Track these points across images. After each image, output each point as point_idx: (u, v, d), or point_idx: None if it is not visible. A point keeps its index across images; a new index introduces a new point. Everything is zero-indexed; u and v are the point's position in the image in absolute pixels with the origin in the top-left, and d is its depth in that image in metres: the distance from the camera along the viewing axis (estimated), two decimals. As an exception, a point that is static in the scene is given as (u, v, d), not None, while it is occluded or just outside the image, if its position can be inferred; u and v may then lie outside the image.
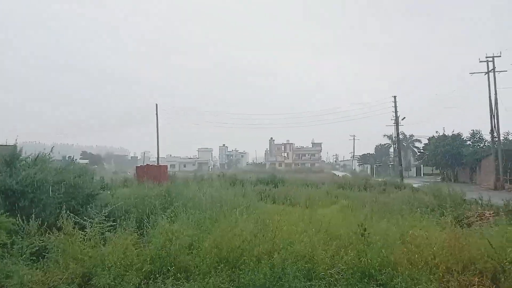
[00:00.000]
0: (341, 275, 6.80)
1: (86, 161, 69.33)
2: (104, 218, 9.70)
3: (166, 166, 32.36)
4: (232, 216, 10.39)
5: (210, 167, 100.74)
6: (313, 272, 7.10)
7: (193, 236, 8.52)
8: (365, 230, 8.11)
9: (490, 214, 14.47)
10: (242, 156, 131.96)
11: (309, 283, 6.32)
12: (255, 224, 9.49)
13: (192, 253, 7.84)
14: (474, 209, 16.39)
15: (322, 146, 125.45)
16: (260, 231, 8.85)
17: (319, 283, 6.57)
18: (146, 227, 9.79)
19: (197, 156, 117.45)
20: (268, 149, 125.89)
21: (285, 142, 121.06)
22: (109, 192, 15.37)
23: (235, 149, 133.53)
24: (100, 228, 8.80)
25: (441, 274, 6.64)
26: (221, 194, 17.27)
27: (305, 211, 14.88)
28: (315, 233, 9.22)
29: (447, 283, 6.33)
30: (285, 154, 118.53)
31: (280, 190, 23.85)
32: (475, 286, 6.01)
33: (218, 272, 6.89)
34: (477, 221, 13.45)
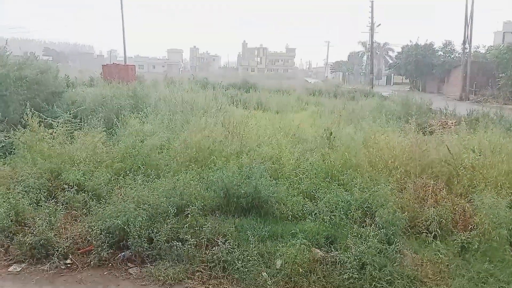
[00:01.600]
0: (306, 175, 7.14)
1: (49, 58, 65.98)
2: (71, 116, 9.53)
3: (134, 66, 31.20)
4: (202, 119, 10.42)
5: (181, 69, 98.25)
6: (279, 172, 7.42)
7: (162, 136, 8.56)
8: (330, 134, 8.35)
9: (452, 123, 15.11)
10: (213, 59, 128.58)
11: (274, 181, 6.61)
12: (225, 126, 9.59)
13: (162, 152, 7.95)
14: (438, 118, 17.05)
15: (296, 52, 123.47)
16: (229, 133, 8.97)
17: (284, 181, 6.90)
18: (115, 126, 9.73)
19: (167, 58, 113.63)
20: (241, 53, 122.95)
21: (259, 46, 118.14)
22: (74, 90, 14.91)
23: (207, 51, 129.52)
24: (67, 127, 8.68)
25: (399, 176, 7.04)
26: (192, 96, 17.10)
27: (276, 116, 15.10)
28: (283, 136, 9.46)
29: (404, 184, 6.73)
30: (258, 59, 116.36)
31: (251, 95, 23.80)
32: (430, 188, 6.41)
33: (188, 170, 7.08)
34: (439, 129, 14.05)
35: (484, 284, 4.66)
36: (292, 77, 78.32)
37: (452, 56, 47.65)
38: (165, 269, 4.89)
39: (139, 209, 5.47)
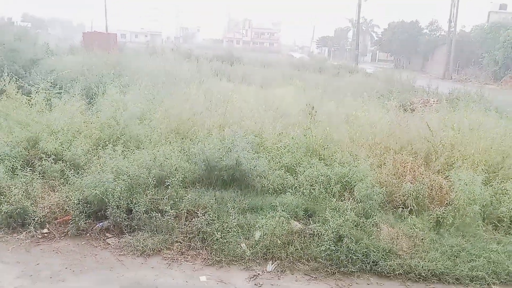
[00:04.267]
0: (287, 149, 7.15)
1: (28, 24, 63.60)
2: (50, 84, 9.26)
3: (115, 35, 30.39)
4: (185, 90, 10.27)
5: (164, 40, 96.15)
6: (261, 146, 7.41)
7: (144, 107, 8.42)
8: (312, 109, 8.34)
9: (434, 101, 15.30)
10: (198, 30, 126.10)
11: (256, 154, 6.61)
12: (207, 98, 9.48)
13: (143, 123, 7.84)
14: (420, 96, 17.22)
15: (282, 26, 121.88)
16: (212, 105, 8.88)
17: (266, 155, 6.90)
18: (95, 96, 9.51)
19: (149, 28, 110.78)
20: (226, 25, 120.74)
21: (244, 19, 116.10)
22: (54, 58, 14.47)
23: (191, 22, 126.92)
24: (46, 95, 8.45)
25: (379, 152, 7.11)
26: (175, 68, 16.82)
27: (260, 91, 14.98)
28: (266, 110, 9.41)
29: (383, 160, 6.81)
30: (244, 32, 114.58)
31: (236, 69, 23.51)
32: (409, 164, 6.50)
33: (169, 142, 7.01)
34: (421, 107, 14.21)
35: (456, 257, 4.81)
36: (277, 51, 77.61)
37: (438, 34, 47.80)
38: (143, 240, 4.90)
39: (118, 180, 5.41)
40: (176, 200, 5.40)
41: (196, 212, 5.16)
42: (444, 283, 4.52)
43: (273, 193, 6.04)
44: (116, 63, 14.22)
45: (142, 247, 4.82)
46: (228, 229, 4.97)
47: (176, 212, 5.20)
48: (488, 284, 4.53)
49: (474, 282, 4.53)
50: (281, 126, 8.21)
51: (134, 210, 5.17)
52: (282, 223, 5.05)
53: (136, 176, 5.65)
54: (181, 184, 5.73)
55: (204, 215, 5.06)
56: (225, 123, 8.04)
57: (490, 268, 4.65)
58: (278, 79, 20.60)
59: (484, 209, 5.64)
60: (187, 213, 5.26)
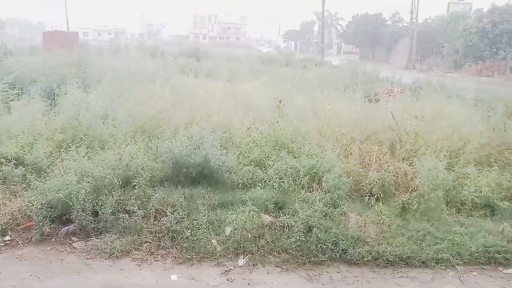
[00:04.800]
0: (256, 144, 7.15)
1: (-18, 24, 60.88)
2: (8, 86, 8.92)
3: (77, 33, 29.57)
4: (150, 87, 10.11)
5: (128, 37, 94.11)
6: (230, 141, 7.39)
7: (107, 106, 8.23)
8: (280, 102, 8.38)
9: (398, 91, 15.68)
10: (163, 26, 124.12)
11: (225, 151, 6.57)
12: (174, 95, 9.37)
13: (107, 122, 7.66)
14: (384, 86, 17.62)
15: (248, 21, 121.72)
16: (178, 102, 8.78)
17: (235, 151, 6.88)
18: (57, 96, 9.22)
19: (113, 25, 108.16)
20: (192, 21, 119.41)
21: (210, 14, 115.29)
22: (12, 59, 13.94)
23: (156, 19, 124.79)
24: (4, 97, 8.12)
25: (346, 142, 7.22)
26: (140, 65, 16.53)
27: (227, 86, 14.91)
28: (234, 105, 9.38)
29: (350, 150, 6.91)
30: (210, 27, 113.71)
31: (203, 64, 23.31)
32: (374, 153, 6.62)
33: (135, 141, 6.88)
34: (385, 97, 14.54)
35: (422, 241, 4.95)
36: (244, 45, 77.51)
37: (400, 26, 48.92)
38: (111, 242, 4.79)
39: (83, 182, 5.27)
40: (143, 200, 5.31)
41: (164, 211, 5.09)
42: (411, 266, 4.65)
43: (243, 188, 6.03)
44: (78, 62, 13.82)
45: (110, 249, 4.72)
46: (198, 226, 4.94)
47: (144, 212, 5.11)
48: (452, 265, 4.68)
49: (439, 264, 4.67)
50: (249, 121, 8.21)
51: (100, 212, 5.05)
52: (253, 217, 5.06)
53: (101, 177, 5.51)
54: (149, 184, 5.63)
55: (173, 214, 5.00)
56: (193, 119, 7.96)
57: (454, 250, 4.81)
58: (245, 74, 20.57)
59: (447, 194, 5.83)
60: (156, 213, 5.18)
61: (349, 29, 56.01)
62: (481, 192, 5.85)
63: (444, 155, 6.56)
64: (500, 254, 4.77)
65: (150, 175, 5.78)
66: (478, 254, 4.77)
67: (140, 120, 7.69)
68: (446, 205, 5.76)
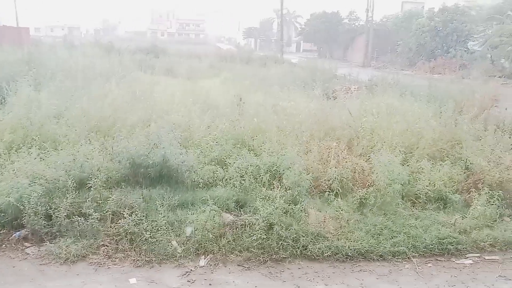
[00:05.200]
0: (216, 142, 7.09)
1: None
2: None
3: (28, 28, 28.19)
4: (105, 85, 9.79)
5: (83, 33, 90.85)
6: (189, 140, 7.28)
7: (60, 105, 7.90)
8: (240, 100, 8.36)
9: (355, 88, 16.05)
10: (119, 22, 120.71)
11: (184, 149, 6.48)
12: (130, 93, 9.12)
13: (60, 122, 7.35)
14: (342, 83, 17.99)
15: (208, 17, 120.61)
16: (135, 100, 8.56)
17: (195, 149, 6.79)
18: (6, 95, 8.75)
19: (67, 21, 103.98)
20: (150, 17, 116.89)
21: (168, 10, 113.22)
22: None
23: (112, 14, 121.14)
24: None
25: (305, 139, 7.30)
26: (95, 62, 15.99)
27: (186, 83, 14.72)
28: (193, 103, 9.26)
29: (309, 147, 7.00)
30: (168, 23, 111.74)
31: (161, 61, 22.89)
32: (333, 149, 6.74)
33: (90, 141, 6.63)
34: (343, 94, 14.84)
35: (379, 235, 5.09)
36: (204, 42, 76.92)
37: (357, 24, 50.06)
38: (66, 246, 4.60)
39: (35, 185, 5.03)
40: (100, 202, 5.13)
41: (122, 213, 4.93)
42: (369, 260, 4.77)
43: (204, 187, 5.97)
44: (29, 59, 13.17)
45: (65, 254, 4.53)
46: (157, 227, 4.83)
47: (101, 215, 4.94)
48: (408, 257, 4.84)
49: (396, 257, 4.82)
50: (209, 119, 8.13)
51: (54, 215, 4.84)
52: (213, 217, 5.01)
53: (55, 179, 5.29)
54: (105, 185, 5.45)
55: (131, 215, 4.85)
56: (150, 118, 7.79)
57: (410, 243, 4.98)
58: (205, 71, 20.43)
59: (403, 188, 6.01)
60: (113, 215, 5.02)
61: (307, 27, 56.63)
62: (434, 185, 6.10)
63: (399, 150, 6.79)
64: (453, 245, 4.99)
65: (106, 176, 5.61)
66: (432, 246, 4.95)
67: (95, 119, 7.43)
68: (402, 199, 5.96)
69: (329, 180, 5.98)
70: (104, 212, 5.01)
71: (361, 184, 6.14)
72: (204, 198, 5.40)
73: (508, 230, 5.31)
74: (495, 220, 5.53)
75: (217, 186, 5.87)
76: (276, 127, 7.75)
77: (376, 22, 45.07)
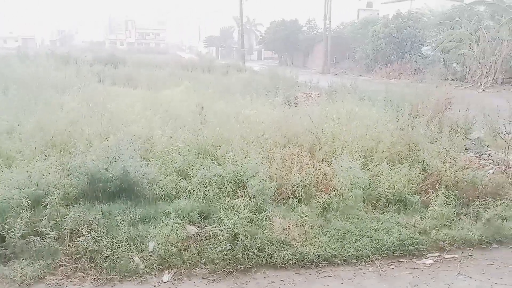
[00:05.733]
0: (179, 153, 6.99)
1: None
2: None
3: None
4: (62, 97, 9.47)
5: (38, 44, 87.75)
6: (150, 152, 7.14)
7: (13, 119, 7.56)
8: (202, 109, 8.30)
9: (316, 94, 16.34)
10: (76, 32, 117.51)
11: (145, 161, 6.35)
12: (87, 105, 8.86)
13: (13, 137, 7.03)
14: (303, 90, 18.27)
15: (168, 26, 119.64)
16: (93, 112, 8.32)
17: (157, 161, 6.67)
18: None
19: (21, 32, 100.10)
20: (108, 26, 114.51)
21: (127, 19, 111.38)
22: None
23: (69, 24, 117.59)
24: None
25: (268, 147, 7.33)
26: (50, 74, 15.47)
27: (147, 93, 14.47)
28: (154, 114, 9.12)
29: (273, 154, 7.02)
30: (127, 32, 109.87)
31: (120, 71, 22.42)
32: (296, 156, 6.79)
33: (45, 156, 6.36)
34: (304, 101, 15.08)
35: (343, 240, 5.15)
36: (164, 51, 76.09)
37: (315, 32, 51.12)
38: (21, 268, 4.37)
39: (-16, 205, 4.76)
40: (57, 220, 4.92)
41: (80, 231, 4.75)
42: (334, 265, 4.81)
43: (166, 200, 5.85)
44: (-23, 72, 12.55)
45: (21, 276, 4.30)
46: (118, 244, 4.68)
47: (58, 233, 4.73)
48: (371, 260, 4.92)
49: (360, 261, 4.89)
50: (171, 129, 8.02)
51: (7, 236, 4.59)
52: (177, 230, 4.92)
53: (7, 198, 5.03)
54: (62, 202, 5.25)
55: (90, 233, 4.68)
56: (109, 130, 7.58)
57: (373, 246, 5.06)
58: (166, 80, 20.17)
59: (364, 192, 6.13)
60: (71, 233, 4.82)
61: (267, 35, 57.26)
62: (394, 188, 6.26)
63: (359, 154, 6.94)
64: (414, 246, 5.11)
65: (63, 192, 5.41)
66: (394, 248, 5.06)
67: (50, 134, 7.16)
68: (363, 202, 6.07)
69: (292, 187, 6.02)
70: (62, 230, 4.81)
71: (324, 189, 6.22)
72: (166, 211, 5.30)
73: (465, 229, 5.51)
74: (453, 220, 5.72)
75: (180, 198, 5.78)
76: (240, 136, 7.73)
77: (334, 30, 46.23)
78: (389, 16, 38.16)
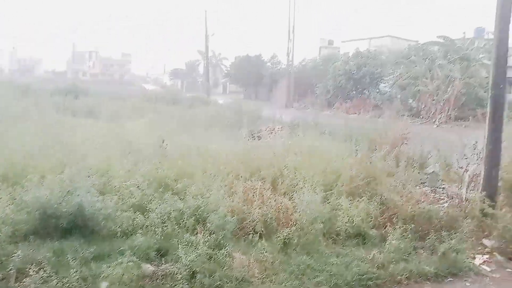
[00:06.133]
0: (138, 187, 6.82)
1: None
2: None
3: None
4: (17, 129, 9.13)
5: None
6: (108, 186, 6.93)
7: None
8: (163, 142, 8.21)
9: (279, 128, 16.59)
10: (38, 62, 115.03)
11: (102, 196, 6.14)
12: (43, 137, 8.57)
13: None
14: (267, 124, 18.54)
15: (133, 58, 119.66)
16: (49, 145, 8.04)
17: (114, 195, 6.46)
18: None
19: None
20: (71, 57, 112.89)
21: (91, 50, 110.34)
22: None
23: (30, 54, 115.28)
24: None
25: (231, 180, 7.29)
26: (8, 104, 14.97)
27: (108, 126, 14.20)
28: (114, 146, 8.93)
29: (235, 188, 6.98)
30: (91, 63, 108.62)
31: (82, 102, 22.01)
32: (258, 189, 6.78)
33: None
34: (268, 134, 15.24)
35: (303, 275, 5.11)
36: (129, 83, 75.63)
37: (279, 67, 52.47)
38: (-41, 314, 4.05)
39: None
40: (2, 259, 4.63)
41: (28, 271, 4.47)
42: (293, 302, 4.74)
43: (122, 236, 5.63)
44: None
45: (-43, 323, 3.98)
46: (68, 284, 4.42)
47: (3, 274, 4.44)
48: (331, 296, 4.90)
49: (319, 297, 4.85)
50: (131, 163, 7.84)
51: None
52: (132, 269, 4.72)
53: None
54: (10, 239, 4.95)
55: (39, 272, 4.41)
56: (66, 163, 7.32)
57: (332, 281, 5.03)
58: (129, 113, 19.89)
59: (324, 225, 6.16)
60: (18, 273, 4.53)
61: (232, 69, 58.22)
62: (353, 222, 6.32)
63: (320, 188, 7.01)
64: (372, 280, 5.13)
65: (12, 229, 5.10)
66: (353, 283, 5.04)
67: (3, 167, 6.83)
68: (324, 236, 6.09)
69: (253, 221, 5.97)
70: (7, 270, 4.51)
71: (285, 223, 6.20)
72: (121, 248, 5.10)
73: (422, 262, 5.60)
74: (410, 253, 5.82)
75: (137, 234, 5.58)
76: (202, 169, 7.66)
77: (297, 66, 47.65)
78: (349, 53, 39.79)
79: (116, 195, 6.45)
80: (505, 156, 7.87)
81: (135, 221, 5.85)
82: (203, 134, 11.51)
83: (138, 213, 6.07)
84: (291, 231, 5.84)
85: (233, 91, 71.49)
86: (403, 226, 6.06)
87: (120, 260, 4.80)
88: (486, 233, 6.71)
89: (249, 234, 5.85)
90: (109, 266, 4.76)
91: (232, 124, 15.36)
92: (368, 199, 6.94)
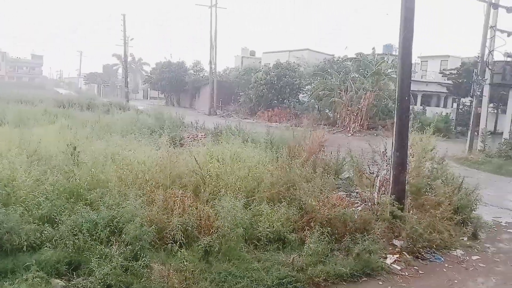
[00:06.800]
0: (46, 197, 6.30)
1: None
2: None
3: None
4: None
5: None
6: (12, 196, 6.31)
7: None
8: (74, 149, 7.71)
9: (202, 135, 16.44)
10: None
11: (4, 209, 5.57)
12: None
13: None
14: (189, 131, 18.27)
15: (44, 60, 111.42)
16: None
17: (19, 207, 5.90)
18: None
19: None
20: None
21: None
22: None
23: None
24: None
25: (149, 189, 7.03)
26: None
27: (14, 131, 13.01)
28: (20, 154, 8.18)
29: (154, 196, 6.74)
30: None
31: (-17, 107, 19.94)
32: (178, 197, 6.61)
33: None
34: (190, 141, 15.01)
35: (224, 283, 5.07)
36: (40, 86, 70.50)
37: (202, 75, 52.21)
38: None
39: None
40: None
41: None
42: (214, 310, 4.67)
43: (29, 251, 5.16)
44: None
45: None
46: (-39, 307, 3.94)
47: None
48: (252, 303, 4.90)
49: (240, 303, 4.83)
50: (38, 171, 7.24)
51: None
52: (39, 285, 4.33)
53: None
54: None
55: None
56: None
57: (253, 287, 5.06)
58: (39, 118, 18.47)
59: (245, 231, 6.18)
60: None
61: (153, 75, 56.73)
62: (273, 227, 6.43)
63: (242, 194, 7.04)
64: (292, 284, 5.24)
65: None
66: (273, 287, 5.12)
67: None
68: (245, 242, 6.11)
69: (173, 230, 5.80)
70: None
71: (207, 231, 6.11)
72: (27, 263, 4.66)
73: (338, 264, 5.84)
74: (327, 255, 6.05)
75: (45, 247, 5.14)
76: (117, 177, 7.30)
77: (220, 74, 47.80)
78: (270, 64, 40.79)
79: (21, 206, 5.90)
80: (411, 162, 8.53)
81: (43, 234, 5.40)
82: (121, 140, 10.97)
83: (47, 225, 5.61)
84: (212, 238, 5.78)
85: (154, 96, 69.80)
86: (320, 230, 6.28)
87: (25, 276, 4.38)
88: (396, 234, 7.20)
89: (169, 243, 5.67)
90: (12, 284, 4.33)
91: (153, 130, 14.87)
92: (288, 204, 7.11)
